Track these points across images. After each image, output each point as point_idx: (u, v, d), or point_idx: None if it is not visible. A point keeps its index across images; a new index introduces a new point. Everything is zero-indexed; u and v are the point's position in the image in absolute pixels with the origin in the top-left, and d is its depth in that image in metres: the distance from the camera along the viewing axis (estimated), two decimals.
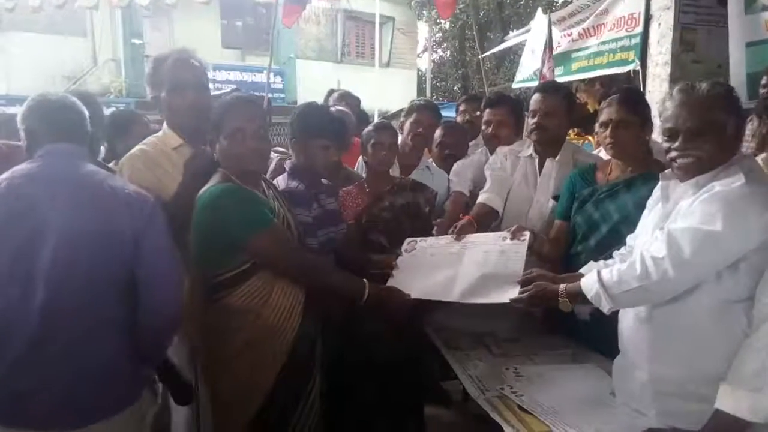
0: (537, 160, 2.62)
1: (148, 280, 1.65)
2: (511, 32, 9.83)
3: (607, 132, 2.12)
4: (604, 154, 2.51)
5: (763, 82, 3.16)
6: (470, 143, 3.34)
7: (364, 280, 2.03)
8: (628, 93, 2.23)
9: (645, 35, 4.28)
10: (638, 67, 4.32)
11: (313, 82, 12.38)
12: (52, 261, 1.51)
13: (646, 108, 2.16)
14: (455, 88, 18.42)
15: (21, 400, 1.51)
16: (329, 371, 2.17)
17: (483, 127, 3.09)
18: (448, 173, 2.99)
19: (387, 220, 2.53)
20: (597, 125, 2.22)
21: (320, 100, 3.78)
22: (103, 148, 2.65)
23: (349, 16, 15.81)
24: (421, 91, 16.18)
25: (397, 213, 2.55)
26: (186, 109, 2.12)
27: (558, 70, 5.45)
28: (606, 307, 1.59)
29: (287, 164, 2.42)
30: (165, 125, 2.25)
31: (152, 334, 1.71)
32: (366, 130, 2.69)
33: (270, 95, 6.14)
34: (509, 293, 1.87)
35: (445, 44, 19.29)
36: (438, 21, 16.21)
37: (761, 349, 1.40)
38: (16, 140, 1.86)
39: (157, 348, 1.79)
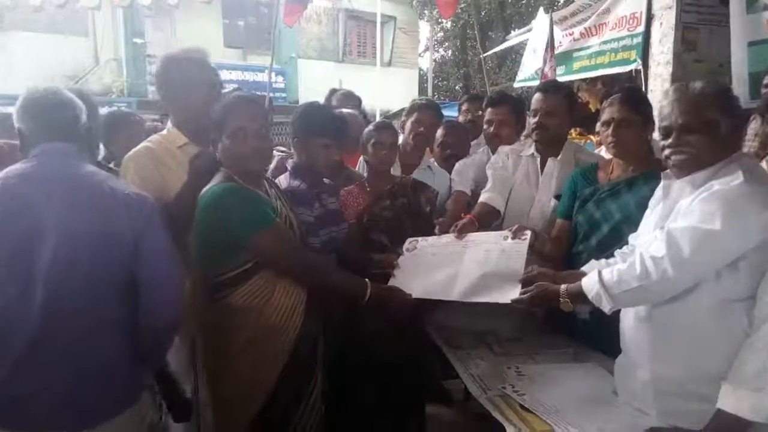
0: (539, 159, 2.62)
1: (148, 281, 1.63)
2: (512, 31, 9.83)
3: (609, 131, 2.12)
4: (605, 153, 2.51)
5: (765, 81, 3.15)
6: (472, 143, 3.34)
7: (366, 279, 2.03)
8: (629, 92, 2.23)
9: (647, 34, 4.27)
10: (640, 67, 4.31)
11: (315, 82, 12.38)
12: (51, 262, 1.49)
13: (647, 107, 2.16)
14: (457, 87, 18.40)
15: (21, 402, 1.50)
16: (331, 370, 2.17)
17: (485, 127, 3.10)
18: (450, 173, 2.99)
19: (388, 219, 2.53)
20: (598, 124, 2.22)
21: (322, 100, 3.78)
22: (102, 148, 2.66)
23: (351, 16, 15.80)
24: (422, 90, 16.15)
25: (398, 212, 2.55)
26: (200, 109, 2.10)
27: (560, 70, 5.44)
28: (607, 307, 1.59)
29: (289, 163, 2.42)
30: (170, 124, 2.25)
31: (152, 335, 1.69)
32: (366, 129, 2.69)
33: (271, 95, 6.15)
34: (510, 293, 1.88)
35: (446, 43, 19.27)
36: (439, 20, 16.18)
37: (762, 349, 1.40)
38: (17, 139, 1.86)
39: (158, 349, 1.77)
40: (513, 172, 2.66)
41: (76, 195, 1.56)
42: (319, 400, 2.03)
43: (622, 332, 1.73)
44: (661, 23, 4.06)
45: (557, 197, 2.45)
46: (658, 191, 1.73)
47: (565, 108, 2.54)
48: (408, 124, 3.13)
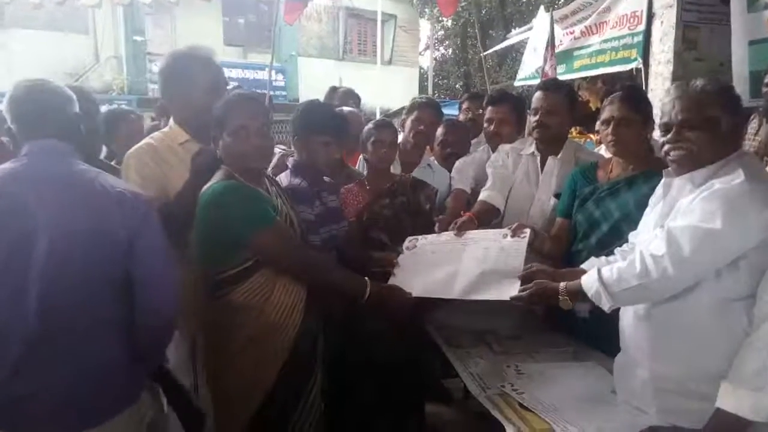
0: (539, 158, 2.62)
1: (144, 280, 1.61)
2: (513, 30, 9.83)
3: (609, 130, 2.12)
4: (605, 152, 2.51)
5: (766, 80, 3.15)
6: (473, 141, 3.34)
7: (366, 278, 2.03)
8: (630, 91, 2.23)
9: (647, 33, 4.27)
10: (640, 65, 4.31)
11: (315, 80, 12.37)
12: (44, 262, 1.47)
13: (647, 106, 2.16)
14: (457, 86, 18.40)
15: (21, 402, 1.49)
16: (330, 369, 2.17)
17: (485, 125, 3.09)
18: (450, 171, 2.99)
19: (387, 217, 2.53)
20: (598, 123, 2.21)
21: (322, 98, 3.78)
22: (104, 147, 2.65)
23: (351, 14, 15.79)
24: (422, 88, 16.16)
25: (397, 211, 2.55)
26: (201, 106, 2.09)
27: (560, 68, 5.44)
28: (606, 305, 1.59)
29: (290, 161, 2.42)
30: (172, 121, 2.25)
31: (149, 333, 1.67)
32: (366, 127, 2.69)
33: (271, 93, 6.15)
34: (509, 290, 1.88)
35: (447, 42, 19.27)
36: (440, 19, 16.18)
37: (762, 348, 1.40)
38: None
39: (155, 347, 1.75)
40: (513, 171, 2.66)
41: (68, 193, 1.54)
42: (319, 398, 2.04)
43: (622, 330, 1.73)
44: (661, 22, 4.06)
45: (557, 196, 2.45)
46: (659, 189, 1.73)
47: (565, 106, 2.54)
48: (408, 123, 3.13)
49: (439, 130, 3.19)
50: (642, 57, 4.31)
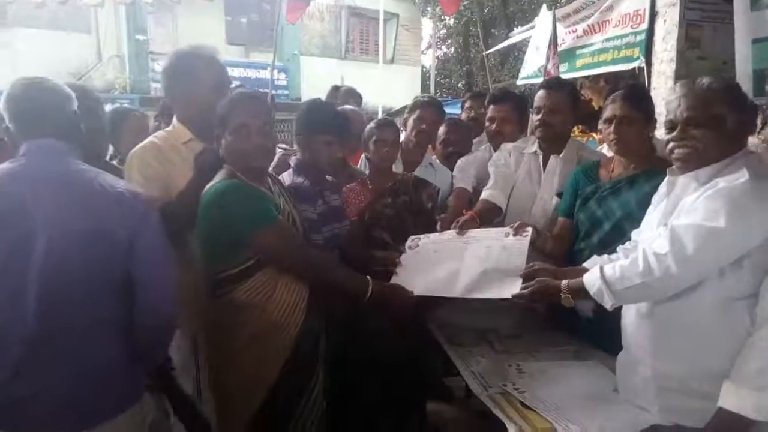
0: (541, 156, 2.62)
1: (143, 280, 1.60)
2: (515, 29, 9.81)
3: (611, 128, 2.12)
4: (607, 150, 2.51)
5: None
6: (475, 140, 3.34)
7: (368, 277, 2.03)
8: (632, 89, 2.22)
9: (650, 32, 4.25)
10: (643, 64, 4.29)
11: (317, 79, 12.35)
12: (43, 262, 1.46)
13: (650, 104, 2.16)
14: (459, 84, 18.38)
15: (22, 403, 1.48)
16: (332, 367, 2.17)
17: (486, 124, 3.09)
18: (452, 170, 2.99)
19: (389, 216, 2.53)
20: (601, 122, 2.21)
21: (324, 97, 3.78)
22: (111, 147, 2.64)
23: (353, 13, 15.78)
24: (425, 87, 16.14)
25: (399, 209, 2.55)
26: (204, 105, 2.10)
27: (562, 67, 5.43)
28: (608, 304, 1.59)
29: (292, 160, 2.42)
30: (175, 119, 2.25)
31: (149, 333, 1.66)
32: (368, 127, 2.69)
33: (274, 92, 6.15)
34: (511, 288, 1.88)
35: (449, 41, 19.24)
36: (442, 17, 16.15)
37: (765, 348, 1.40)
38: None
39: (155, 347, 1.74)
40: (515, 170, 2.66)
41: (66, 193, 1.53)
42: (321, 396, 2.04)
43: (624, 329, 1.72)
44: (664, 20, 4.04)
45: (559, 195, 2.45)
46: (662, 187, 1.73)
47: (568, 105, 2.54)
48: (410, 122, 3.13)
49: (441, 129, 3.19)
50: (645, 56, 4.29)
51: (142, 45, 12.71)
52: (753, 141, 2.46)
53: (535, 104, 2.57)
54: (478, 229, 2.26)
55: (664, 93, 3.57)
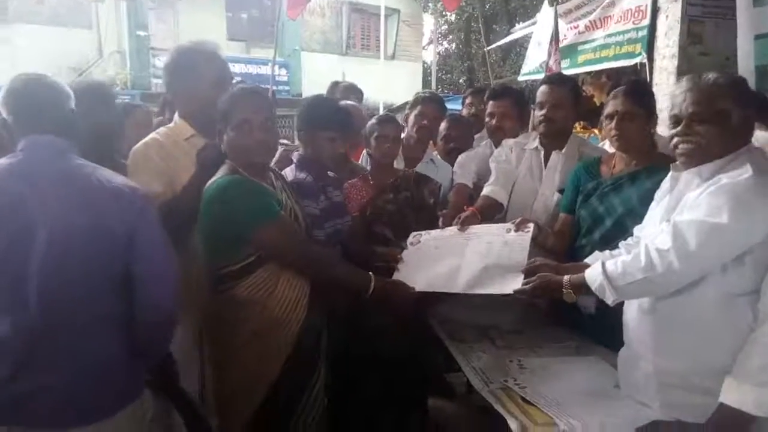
0: (542, 152, 2.61)
1: (143, 275, 1.60)
2: (517, 24, 9.80)
3: (613, 124, 2.11)
4: (609, 147, 2.50)
5: None
6: (476, 136, 3.33)
7: (370, 273, 2.03)
8: (634, 85, 2.22)
9: (652, 28, 4.24)
10: (645, 60, 4.28)
11: (318, 75, 12.33)
12: (43, 258, 1.45)
13: (651, 100, 2.15)
14: (461, 80, 18.37)
15: (23, 399, 1.48)
16: (334, 363, 2.18)
17: (486, 119, 3.08)
18: (453, 166, 2.99)
19: (391, 212, 2.53)
20: (602, 117, 2.21)
21: (325, 93, 3.77)
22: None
23: (354, 8, 15.75)
24: (426, 83, 16.13)
25: (401, 205, 2.55)
26: (206, 101, 2.09)
27: (564, 63, 5.41)
28: (610, 299, 1.59)
29: (294, 156, 2.42)
30: (177, 116, 2.25)
31: (148, 329, 1.65)
32: (369, 123, 2.69)
33: (275, 87, 6.14)
34: (513, 284, 1.88)
35: (450, 36, 19.22)
36: (443, 13, 16.13)
37: (767, 344, 1.40)
38: None
39: (155, 343, 1.73)
40: (516, 166, 2.65)
41: (65, 189, 1.52)
42: (322, 392, 2.04)
43: (626, 324, 1.73)
44: (666, 16, 4.03)
45: (561, 191, 2.45)
46: (665, 183, 1.72)
47: (571, 100, 2.53)
48: (411, 118, 3.12)
49: (443, 125, 3.19)
50: (646, 51, 4.28)
51: (143, 41, 12.69)
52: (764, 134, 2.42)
53: (538, 100, 2.57)
54: (480, 225, 2.26)
55: (666, 89, 3.57)
